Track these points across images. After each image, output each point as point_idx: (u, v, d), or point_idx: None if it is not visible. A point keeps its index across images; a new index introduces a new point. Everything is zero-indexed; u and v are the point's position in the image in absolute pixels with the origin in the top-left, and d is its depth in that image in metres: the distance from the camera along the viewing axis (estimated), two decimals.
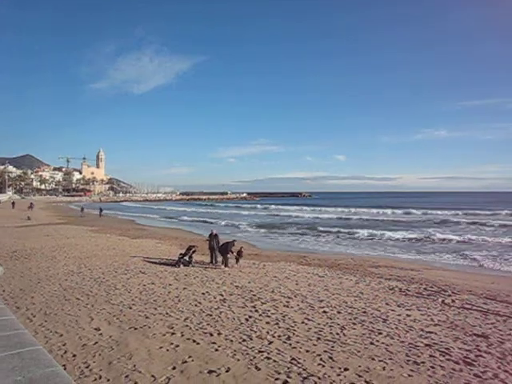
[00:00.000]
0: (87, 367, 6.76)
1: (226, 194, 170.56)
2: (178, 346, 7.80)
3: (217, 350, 7.62)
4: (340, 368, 6.76)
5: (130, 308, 10.56)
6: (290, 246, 29.00)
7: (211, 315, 9.99)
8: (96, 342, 7.95)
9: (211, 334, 8.50)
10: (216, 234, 19.11)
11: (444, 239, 32.26)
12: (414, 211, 67.92)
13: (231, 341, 8.11)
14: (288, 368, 6.74)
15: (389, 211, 69.71)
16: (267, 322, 9.44)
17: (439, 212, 65.45)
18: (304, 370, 6.69)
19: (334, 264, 19.79)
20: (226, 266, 17.47)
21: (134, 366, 6.82)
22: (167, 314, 10.08)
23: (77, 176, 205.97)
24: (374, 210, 72.90)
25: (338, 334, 8.66)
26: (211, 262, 18.56)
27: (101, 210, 57.68)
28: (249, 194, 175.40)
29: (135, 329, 8.83)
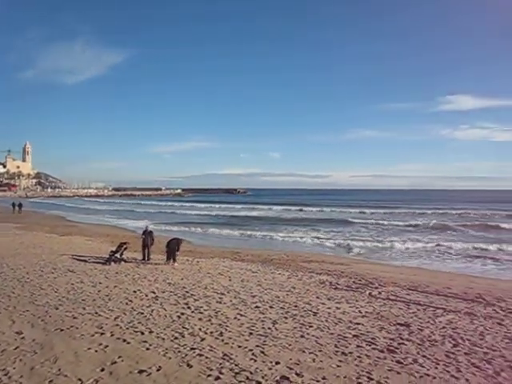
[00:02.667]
0: (6, 374, 6.36)
1: (160, 189, 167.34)
2: (107, 346, 7.57)
3: (148, 348, 7.48)
4: (271, 362, 6.88)
5: (57, 308, 10.11)
6: (224, 242, 29.05)
7: (143, 313, 9.80)
8: (17, 347, 7.51)
9: (142, 333, 8.34)
10: (151, 231, 18.78)
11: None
12: (350, 209, 70.30)
13: (163, 339, 8.00)
14: (220, 364, 6.76)
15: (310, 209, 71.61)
16: (200, 319, 9.40)
17: (366, 210, 68.12)
18: (236, 365, 6.74)
19: (268, 259, 20.07)
20: (175, 261, 17.27)
21: (59, 369, 6.53)
22: (96, 313, 9.76)
23: (0, 170, 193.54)
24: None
25: (269, 328, 8.80)
26: (143, 259, 18.20)
27: (20, 206, 51.91)
28: (183, 189, 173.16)
29: (61, 330, 8.47)
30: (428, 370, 6.74)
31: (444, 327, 9.30)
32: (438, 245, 26.69)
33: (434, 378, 6.42)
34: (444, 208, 67.83)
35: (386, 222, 43.21)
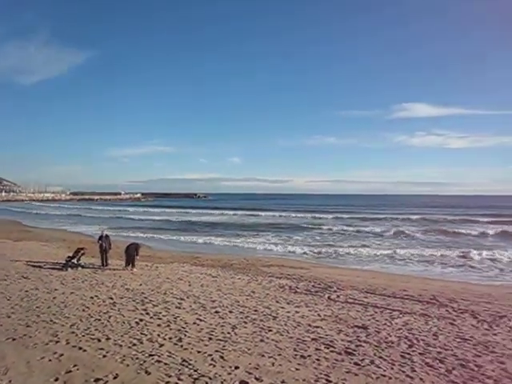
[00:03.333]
0: None
1: (120, 194, 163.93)
2: (62, 354, 7.32)
3: (105, 356, 7.29)
4: (231, 367, 6.85)
5: (9, 317, 9.70)
6: (184, 247, 28.78)
7: (100, 320, 9.55)
8: None
9: (99, 340, 8.12)
10: (107, 235, 18.36)
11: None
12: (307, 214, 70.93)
13: (120, 346, 7.82)
14: (179, 370, 6.67)
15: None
16: (158, 325, 9.26)
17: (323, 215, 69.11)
18: (195, 370, 6.66)
19: (227, 264, 20.02)
20: (133, 267, 16.93)
21: (10, 381, 6.26)
22: (51, 321, 9.43)
23: None
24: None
25: (229, 333, 8.76)
26: (102, 264, 17.77)
27: None
28: (143, 194, 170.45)
29: (13, 339, 8.13)
30: (384, 370, 6.88)
31: (400, 329, 9.53)
32: (395, 250, 27.30)
33: (390, 378, 6.56)
34: (402, 213, 69.33)
35: (345, 227, 43.91)
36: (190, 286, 14.07)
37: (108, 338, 8.23)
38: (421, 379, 6.56)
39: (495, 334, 9.28)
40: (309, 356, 7.46)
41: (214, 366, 6.90)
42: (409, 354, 7.78)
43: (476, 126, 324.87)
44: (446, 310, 11.53)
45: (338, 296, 13.12)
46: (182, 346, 7.89)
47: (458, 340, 8.75)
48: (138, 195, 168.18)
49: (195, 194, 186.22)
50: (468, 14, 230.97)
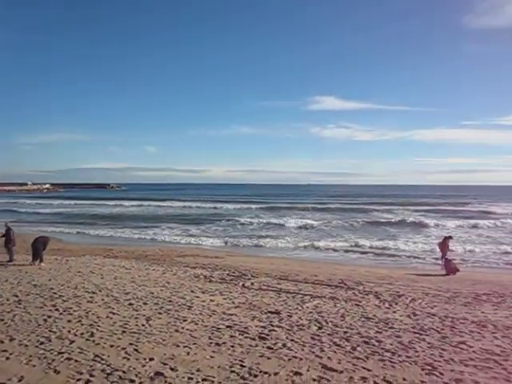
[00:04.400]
0: None
1: (26, 184, 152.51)
2: None
3: (8, 358, 6.87)
4: (145, 359, 6.79)
5: None
6: (96, 239, 27.77)
7: (3, 320, 8.96)
8: None
9: (2, 342, 7.63)
10: (10, 229, 17.16)
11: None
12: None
13: (26, 346, 7.42)
14: (91, 366, 6.49)
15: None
16: (69, 321, 8.90)
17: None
18: (108, 365, 6.53)
19: (142, 255, 19.67)
20: (41, 261, 16.00)
21: None
22: None
23: None
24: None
25: (143, 325, 8.66)
26: (10, 260, 16.63)
27: None
28: (52, 185, 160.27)
29: None
30: (296, 352, 7.21)
31: (311, 312, 9.99)
32: (312, 242, 28.35)
33: (301, 359, 6.88)
34: (316, 202, 71.86)
35: (259, 218, 44.77)
36: (102, 278, 13.65)
37: (12, 339, 7.75)
38: (329, 358, 6.96)
39: (394, 312, 10.08)
40: (223, 343, 7.60)
41: (128, 359, 6.81)
42: (318, 335, 8.21)
43: (380, 121, 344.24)
44: (353, 293, 12.27)
45: (252, 283, 13.43)
46: (94, 341, 7.67)
47: (363, 319, 9.37)
48: (48, 186, 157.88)
49: (108, 185, 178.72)
50: (378, 13, 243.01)
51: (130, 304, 10.38)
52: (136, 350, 7.21)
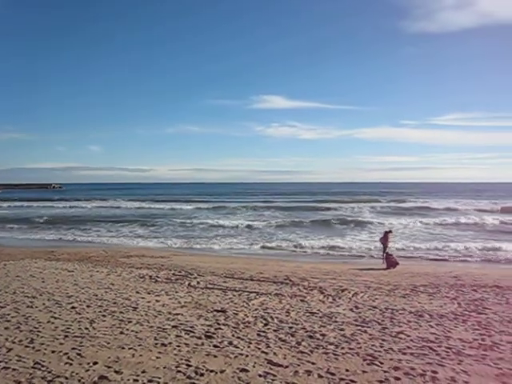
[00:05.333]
0: None
1: None
2: None
3: None
4: (89, 363, 6.63)
5: None
6: (37, 242, 26.67)
7: None
8: None
9: None
10: None
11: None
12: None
13: None
14: (30, 374, 6.26)
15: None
16: (6, 328, 8.51)
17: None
18: (49, 372, 6.32)
19: (85, 257, 19.12)
20: None
21: None
22: None
23: None
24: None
25: (87, 328, 8.44)
26: None
27: None
28: None
29: None
30: (242, 349, 7.29)
31: (256, 309, 10.11)
32: (259, 240, 28.60)
33: (247, 356, 6.97)
34: (269, 200, 71.93)
35: (207, 218, 44.60)
36: (43, 282, 13.15)
37: None
38: (274, 353, 7.09)
39: (338, 306, 10.39)
40: (169, 343, 7.56)
41: (71, 364, 6.62)
42: (264, 331, 8.33)
43: (323, 120, 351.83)
44: (298, 289, 12.52)
45: (199, 282, 13.41)
46: (33, 347, 7.40)
47: (307, 314, 9.60)
48: None
49: (49, 185, 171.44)
50: (321, 13, 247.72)
51: (73, 307, 10.08)
52: (79, 354, 7.03)
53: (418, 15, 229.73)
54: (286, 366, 6.52)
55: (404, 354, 7.07)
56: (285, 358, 6.87)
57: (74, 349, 7.28)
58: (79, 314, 9.54)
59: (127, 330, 8.37)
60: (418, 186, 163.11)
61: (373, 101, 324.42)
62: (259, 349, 7.32)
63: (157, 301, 10.85)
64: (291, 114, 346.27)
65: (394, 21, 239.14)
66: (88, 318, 9.13)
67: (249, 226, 34.77)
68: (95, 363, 6.63)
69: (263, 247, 24.79)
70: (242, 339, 7.85)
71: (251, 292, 12.04)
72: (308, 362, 6.71)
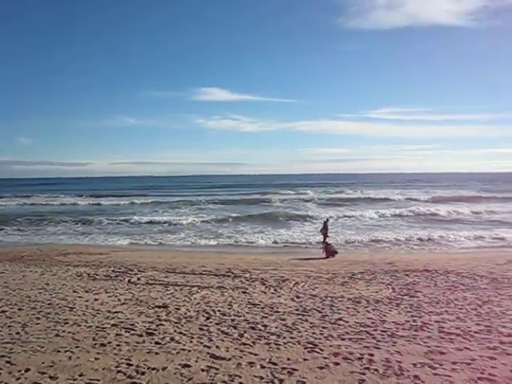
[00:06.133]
0: None
1: None
2: None
3: None
4: (20, 370, 6.27)
5: None
6: None
7: None
8: None
9: None
10: None
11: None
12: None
13: None
14: None
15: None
16: None
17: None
18: None
19: (17, 257, 18.16)
20: None
21: None
22: None
23: None
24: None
25: (18, 333, 8.00)
26: None
27: None
28: None
29: None
30: (184, 344, 7.22)
31: (198, 303, 10.06)
32: (204, 234, 28.35)
33: (190, 351, 6.91)
34: (212, 194, 71.22)
35: (153, 209, 43.67)
36: None
37: None
38: (217, 347, 7.08)
39: (279, 296, 10.55)
40: (109, 343, 7.34)
41: (0, 373, 6.25)
42: (206, 325, 8.30)
43: (265, 112, 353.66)
44: (240, 281, 12.58)
45: (139, 278, 13.13)
46: None
47: (250, 306, 9.68)
48: None
49: None
50: (263, 9, 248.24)
51: (3, 311, 9.51)
52: (9, 362, 6.62)
53: (353, 13, 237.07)
54: (229, 359, 6.53)
55: (343, 339, 7.30)
56: (227, 351, 6.88)
57: (3, 356, 6.84)
58: (10, 318, 9.02)
59: (63, 331, 8.03)
60: (355, 177, 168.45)
61: (312, 94, 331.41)
62: (202, 343, 7.29)
63: (95, 299, 10.51)
64: (233, 107, 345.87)
65: (331, 17, 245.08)
66: (20, 322, 8.66)
67: (191, 221, 34.34)
68: (27, 370, 6.28)
69: (206, 240, 24.65)
70: (184, 334, 7.77)
71: (193, 286, 11.95)
72: (250, 353, 6.76)
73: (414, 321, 8.32)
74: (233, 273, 13.74)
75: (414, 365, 6.15)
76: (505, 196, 55.61)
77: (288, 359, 6.46)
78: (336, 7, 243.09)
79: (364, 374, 5.90)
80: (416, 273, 13.26)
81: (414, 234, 24.96)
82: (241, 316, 8.87)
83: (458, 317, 8.57)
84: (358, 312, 9.01)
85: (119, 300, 10.43)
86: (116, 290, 11.61)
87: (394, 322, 8.22)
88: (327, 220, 20.66)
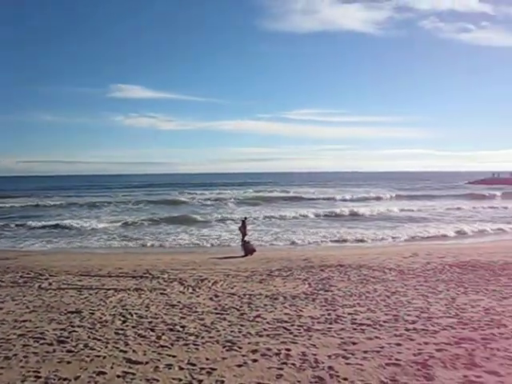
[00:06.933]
0: None
1: None
2: None
3: None
4: None
5: None
6: None
7: None
8: None
9: None
10: None
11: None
12: None
13: None
14: None
15: None
16: None
17: None
18: None
19: None
20: None
21: None
22: None
23: None
24: None
25: None
26: None
27: None
28: None
29: None
30: (99, 351, 6.94)
31: (115, 306, 9.74)
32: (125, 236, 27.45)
33: (105, 357, 6.65)
34: (133, 194, 69.10)
35: (68, 210, 41.49)
36: None
37: None
38: (134, 351, 6.89)
39: (198, 296, 10.52)
40: (15, 355, 6.82)
41: None
42: (123, 329, 8.05)
43: (184, 111, 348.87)
44: (158, 282, 12.36)
45: (50, 283, 12.44)
46: None
47: (168, 307, 9.54)
48: None
49: None
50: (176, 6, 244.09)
51: None
52: None
53: (271, 15, 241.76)
54: (146, 363, 6.39)
55: (261, 336, 7.44)
56: (145, 355, 6.73)
57: None
58: None
59: None
60: (275, 177, 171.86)
61: (232, 94, 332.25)
62: (117, 348, 7.06)
63: (0, 308, 9.79)
64: (150, 105, 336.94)
65: (250, 19, 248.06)
66: None
67: (107, 222, 33.02)
68: None
69: (122, 242, 23.93)
70: (99, 340, 7.48)
71: (109, 289, 11.54)
72: (169, 355, 6.67)
73: (329, 314, 8.68)
74: (151, 274, 13.47)
75: (329, 356, 6.42)
76: (416, 194, 60.28)
77: (207, 359, 6.46)
78: (254, 9, 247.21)
79: (281, 368, 6.05)
80: (331, 268, 13.83)
81: (331, 231, 26.08)
82: (158, 318, 8.72)
83: (369, 308, 9.08)
84: (276, 308, 9.23)
85: (28, 308, 9.79)
86: (24, 296, 10.89)
87: (309, 317, 8.52)
88: (245, 218, 20.99)
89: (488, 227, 27.51)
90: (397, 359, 6.24)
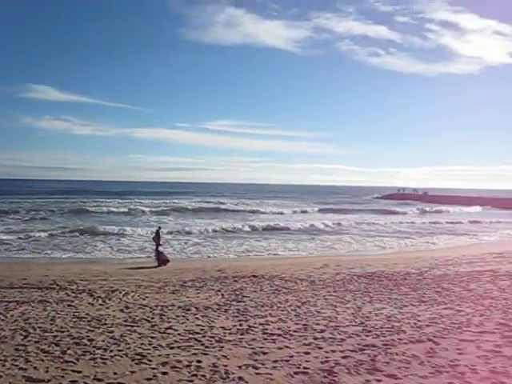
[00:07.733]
0: None
1: None
2: None
3: None
4: None
5: None
6: None
7: None
8: None
9: None
10: None
11: None
12: None
13: None
14: None
15: None
16: None
17: None
18: None
19: None
20: None
21: None
22: None
23: None
24: None
25: None
26: None
27: None
28: None
29: None
30: None
31: (16, 320, 9.16)
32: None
33: (1, 376, 6.21)
34: (47, 201, 64.44)
35: None
36: None
37: None
38: (35, 368, 6.49)
39: (108, 308, 10.22)
40: None
41: None
42: (24, 345, 7.58)
43: (99, 116, 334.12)
44: (66, 293, 11.83)
45: None
46: None
47: (75, 320, 9.16)
48: None
49: None
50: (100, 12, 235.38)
51: None
52: None
53: (194, 26, 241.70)
54: (48, 380, 6.07)
55: (171, 348, 7.38)
56: (47, 372, 6.38)
57: None
58: None
59: None
60: (192, 186, 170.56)
61: (149, 102, 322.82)
62: (16, 366, 6.60)
63: None
64: (64, 108, 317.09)
65: (172, 28, 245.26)
66: None
67: (9, 231, 30.50)
68: None
69: (27, 253, 22.42)
70: None
71: (10, 301, 10.83)
72: (74, 371, 6.38)
73: (241, 325, 8.81)
74: (58, 285, 12.84)
75: (240, 367, 6.51)
76: (327, 207, 63.14)
77: (114, 373, 6.28)
78: (178, 18, 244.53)
79: (192, 381, 6.04)
80: (244, 279, 14.04)
81: (248, 243, 26.39)
82: (64, 331, 8.33)
83: (280, 318, 9.35)
84: (188, 319, 9.21)
85: None
86: None
87: (221, 328, 8.59)
88: (159, 228, 20.67)
89: (394, 241, 29.48)
90: (305, 367, 6.48)
